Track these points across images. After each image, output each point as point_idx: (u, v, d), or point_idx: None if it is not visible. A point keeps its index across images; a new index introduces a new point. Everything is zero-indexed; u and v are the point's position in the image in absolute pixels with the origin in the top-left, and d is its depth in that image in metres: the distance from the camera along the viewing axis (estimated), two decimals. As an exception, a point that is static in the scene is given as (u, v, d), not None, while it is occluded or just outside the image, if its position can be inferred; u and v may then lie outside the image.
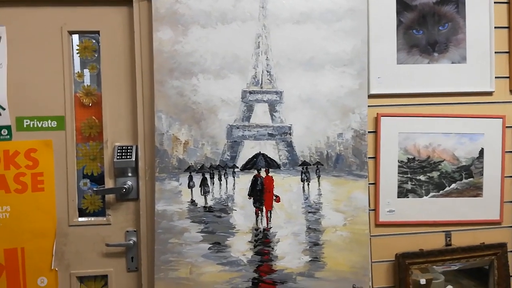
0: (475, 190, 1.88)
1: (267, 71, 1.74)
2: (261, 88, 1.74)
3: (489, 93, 1.87)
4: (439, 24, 1.82)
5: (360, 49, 1.76)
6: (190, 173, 1.72)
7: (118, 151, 1.76)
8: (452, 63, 1.84)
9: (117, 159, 1.75)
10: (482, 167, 1.88)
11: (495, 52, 1.85)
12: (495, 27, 1.84)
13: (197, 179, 1.72)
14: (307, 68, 1.75)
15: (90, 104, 1.81)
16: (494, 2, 1.84)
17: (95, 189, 1.78)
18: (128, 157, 1.75)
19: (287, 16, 1.74)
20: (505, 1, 1.87)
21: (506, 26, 1.88)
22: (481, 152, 1.87)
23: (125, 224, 1.79)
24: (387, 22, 1.80)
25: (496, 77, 1.86)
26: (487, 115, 1.87)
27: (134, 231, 1.79)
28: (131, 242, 1.77)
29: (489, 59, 1.85)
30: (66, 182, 1.77)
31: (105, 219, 1.79)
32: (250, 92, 1.74)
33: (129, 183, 1.77)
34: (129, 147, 1.76)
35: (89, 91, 1.81)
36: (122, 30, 1.76)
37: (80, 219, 1.80)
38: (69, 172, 1.77)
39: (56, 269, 1.76)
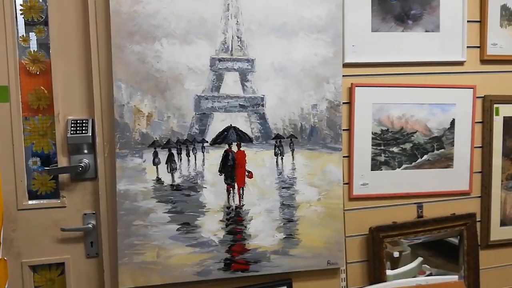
0: (446, 161, 1.87)
1: (238, 37, 1.61)
2: (231, 55, 1.61)
3: (461, 63, 1.85)
4: (414, -10, 1.76)
5: (334, 15, 1.67)
6: (155, 148, 1.57)
7: (72, 125, 1.57)
8: (426, 31, 1.79)
9: (71, 134, 1.56)
10: (453, 138, 1.87)
11: (468, 21, 1.82)
12: (467, -5, 1.81)
13: (163, 155, 1.58)
14: (280, 34, 1.63)
15: (38, 73, 1.60)
16: (467, -31, 1.80)
17: (47, 168, 1.59)
18: (83, 131, 1.57)
19: (258, -24, 1.60)
20: (478, -32, 1.83)
21: (478, -6, 1.85)
22: (452, 122, 1.86)
23: (82, 206, 1.62)
24: (362, -14, 1.71)
25: (467, 47, 1.83)
26: (459, 85, 1.85)
27: (93, 213, 1.62)
28: (89, 225, 1.61)
29: (462, 28, 1.82)
30: (13, 161, 1.57)
31: (59, 201, 1.61)
32: (220, 60, 1.60)
33: (86, 161, 1.59)
34: (84, 121, 1.58)
35: (36, 58, 1.60)
36: (72, -12, 1.56)
37: (31, 202, 1.61)
38: (16, 150, 1.57)
39: (5, 258, 1.57)
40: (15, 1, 1.55)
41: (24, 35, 1.58)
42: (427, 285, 1.70)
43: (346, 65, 1.72)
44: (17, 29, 1.57)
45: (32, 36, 1.59)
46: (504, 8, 1.87)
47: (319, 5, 1.65)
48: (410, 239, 1.84)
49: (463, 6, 1.81)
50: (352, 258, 1.81)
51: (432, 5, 1.79)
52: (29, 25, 1.59)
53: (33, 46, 1.60)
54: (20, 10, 1.57)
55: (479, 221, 1.93)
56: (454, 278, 1.77)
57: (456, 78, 1.85)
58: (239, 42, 1.61)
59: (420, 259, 1.89)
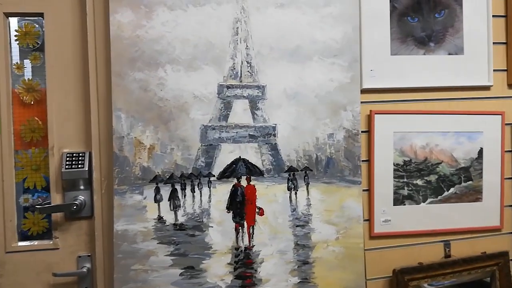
0: (475, 194, 1.71)
1: (247, 62, 1.49)
2: (241, 81, 1.49)
3: (487, 88, 1.72)
4: (435, 11, 1.65)
5: (351, 37, 1.55)
6: (157, 184, 1.43)
7: (67, 159, 1.45)
8: (449, 54, 1.67)
9: (66, 168, 1.43)
10: (482, 169, 1.71)
11: (494, 43, 1.69)
12: (493, 16, 1.69)
13: (166, 191, 1.44)
14: (293, 58, 1.51)
15: (32, 102, 1.49)
16: (491, -11, 1.68)
17: (39, 206, 1.45)
18: (79, 166, 1.44)
19: (269, -2, 1.50)
20: (502, -13, 1.72)
21: (503, 15, 1.72)
22: (480, 152, 1.70)
23: (76, 247, 1.48)
24: (380, 7, 1.60)
25: (494, 70, 1.70)
26: (485, 111, 1.71)
27: (88, 255, 1.47)
28: (84, 270, 1.45)
29: (487, 51, 1.69)
30: (2, 198, 1.44)
31: (51, 242, 1.47)
32: (228, 87, 1.48)
33: (81, 198, 1.46)
34: (80, 154, 1.45)
35: (30, 86, 1.49)
36: (71, 12, 1.46)
37: (21, 243, 1.48)
38: (6, 186, 1.44)
39: (-10, 307, 1.43)
40: (9, 27, 1.45)
41: (19, 63, 1.48)
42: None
43: (364, 91, 1.59)
44: (11, 56, 1.46)
45: (27, 63, 1.49)
46: (531, 29, 1.75)
47: (334, 27, 1.53)
48: (437, 282, 1.66)
49: (488, 27, 1.69)
50: (375, 303, 1.64)
51: (455, 27, 1.67)
52: (24, 51, 1.48)
53: (28, 74, 1.49)
54: (15, 36, 1.47)
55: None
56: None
57: (482, 103, 1.71)
58: (249, 67, 1.49)
59: (449, 303, 1.71)
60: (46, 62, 1.46)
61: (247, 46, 1.49)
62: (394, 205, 1.64)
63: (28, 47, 1.49)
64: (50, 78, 1.46)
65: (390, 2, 1.60)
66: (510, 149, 1.75)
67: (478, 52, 1.69)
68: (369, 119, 1.61)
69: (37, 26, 1.49)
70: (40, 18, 1.47)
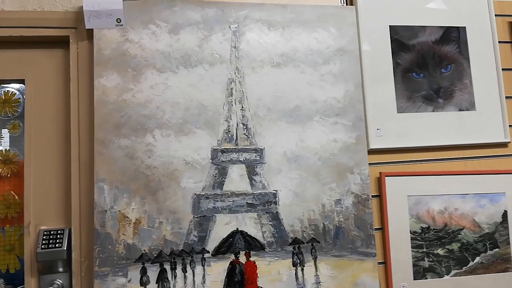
0: (503, 263, 1.52)
1: (243, 124, 1.37)
2: (237, 145, 1.36)
3: (504, 144, 1.59)
4: (441, 66, 1.56)
5: (353, 96, 1.45)
6: (143, 264, 1.26)
7: (44, 237, 1.29)
8: (460, 110, 1.56)
9: (42, 249, 1.27)
10: (508, 234, 1.54)
11: (506, 97, 1.59)
12: (503, 69, 1.60)
13: (153, 272, 1.26)
14: (292, 119, 1.40)
15: (9, 175, 1.36)
16: (499, 42, 1.60)
17: (9, 293, 1.28)
18: (57, 245, 1.27)
19: (264, 57, 1.42)
20: (510, 40, 1.64)
21: (513, 67, 1.64)
22: (505, 215, 1.54)
23: None
24: (382, 64, 1.52)
25: (510, 125, 1.58)
26: (506, 170, 1.57)
27: None
28: None
29: (500, 105, 1.58)
30: (-33, 286, 1.27)
31: (23, 334, 1.28)
32: (223, 151, 1.35)
33: (59, 281, 1.28)
34: (59, 232, 1.30)
35: (7, 158, 1.37)
36: (54, 78, 1.38)
37: (-12, 337, 1.28)
38: (-28, 271, 1.27)
39: None
40: (-13, 95, 1.37)
41: (-4, 132, 1.38)
42: None
43: (372, 152, 1.47)
44: (-13, 126, 1.36)
45: (5, 132, 1.38)
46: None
47: (334, 85, 1.44)
48: None
49: (498, 80, 1.59)
50: None
51: (464, 81, 1.57)
52: (2, 120, 1.38)
53: (6, 144, 1.38)
54: (-7, 104, 1.38)
55: None
56: None
57: (502, 162, 1.58)
58: (245, 130, 1.37)
59: None
60: (25, 131, 1.35)
61: (242, 107, 1.38)
62: (414, 279, 1.45)
63: (6, 116, 1.39)
64: (28, 148, 1.34)
65: (393, 58, 1.53)
66: (537, 211, 1.58)
67: (490, 107, 1.58)
68: (380, 182, 1.47)
69: (17, 93, 1.40)
70: (21, 84, 1.38)
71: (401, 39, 1.54)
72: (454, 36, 1.59)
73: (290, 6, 1.45)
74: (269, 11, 1.44)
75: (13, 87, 1.40)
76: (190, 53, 1.37)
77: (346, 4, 1.53)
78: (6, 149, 1.38)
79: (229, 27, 1.41)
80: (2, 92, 1.39)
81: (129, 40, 1.34)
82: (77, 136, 1.32)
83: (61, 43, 1.37)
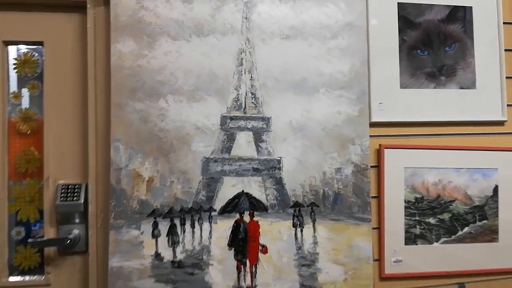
0: (490, 234, 1.62)
1: (252, 93, 1.44)
2: (245, 113, 1.44)
3: (501, 123, 1.66)
4: (446, 44, 1.61)
5: (359, 70, 1.51)
6: (155, 218, 1.36)
7: (63, 191, 1.39)
8: (461, 88, 1.61)
9: (61, 201, 1.37)
10: (497, 208, 1.63)
11: (506, 78, 1.64)
12: (505, 50, 1.64)
13: (164, 226, 1.37)
14: (299, 91, 1.47)
15: (29, 132, 1.45)
16: (504, 23, 1.64)
17: (30, 240, 1.38)
18: (75, 198, 1.38)
19: (274, 29, 1.47)
20: (514, 21, 1.69)
21: (516, 49, 1.69)
22: (495, 189, 1.63)
23: (69, 285, 1.41)
24: (389, 40, 1.57)
25: (508, 105, 1.64)
26: (500, 147, 1.64)
27: (81, 294, 1.40)
28: (75, 310, 1.37)
29: (500, 85, 1.64)
30: (-7, 231, 1.38)
31: (43, 278, 1.40)
32: (231, 118, 1.43)
33: (76, 232, 1.39)
34: (76, 186, 1.39)
35: (27, 116, 1.45)
36: (72, 41, 1.44)
37: (11, 278, 1.41)
38: (-3, 220, 1.38)
39: None
40: (8, 55, 1.43)
41: (16, 91, 1.45)
42: None
43: (373, 125, 1.54)
44: (9, 85, 1.43)
45: (25, 92, 1.46)
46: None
47: (341, 60, 1.49)
48: (453, 328, 1.55)
49: (500, 61, 1.64)
50: None
51: (466, 60, 1.62)
52: (22, 80, 1.45)
53: (25, 103, 1.45)
54: (14, 64, 1.44)
55: (534, 305, 1.64)
56: None
57: (497, 139, 1.65)
58: (253, 99, 1.44)
59: None
60: (44, 92, 1.42)
61: (251, 77, 1.44)
62: (405, 244, 1.56)
63: (26, 76, 1.46)
64: (47, 107, 1.42)
65: (399, 35, 1.57)
66: (527, 187, 1.66)
67: (490, 86, 1.64)
68: (379, 154, 1.55)
69: (36, 54, 1.46)
70: (40, 46, 1.45)
71: (408, 16, 1.58)
72: (460, 15, 1.62)
73: (301, -21, 1.49)
74: (281, -17, 1.48)
75: (32, 48, 1.46)
76: (203, 22, 1.43)
77: (357, -21, 1.57)
78: (26, 107, 1.45)
79: (242, -2, 1.46)
80: (22, 52, 1.46)
81: (144, 8, 1.40)
82: (94, 98, 1.40)
83: (79, 7, 1.43)
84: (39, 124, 1.44)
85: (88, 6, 1.41)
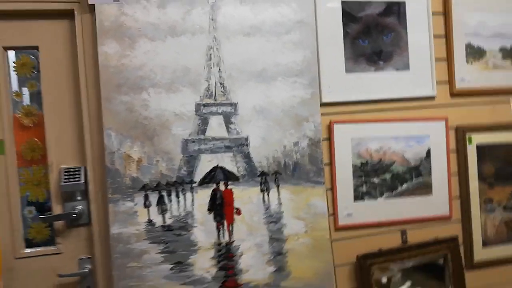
0: (425, 189, 1.96)
1: (220, 83, 1.72)
2: (215, 100, 1.71)
3: (432, 97, 1.97)
4: (383, 34, 1.90)
5: (310, 60, 1.79)
6: (146, 192, 1.64)
7: (65, 173, 1.65)
8: (397, 70, 1.92)
9: (65, 182, 1.63)
10: (430, 167, 1.96)
11: (435, 59, 1.95)
12: (434, 36, 1.94)
13: (153, 197, 1.65)
14: (260, 80, 1.74)
15: (31, 125, 1.69)
16: (432, 13, 1.94)
17: (42, 216, 1.65)
18: (76, 179, 1.64)
19: (237, 28, 1.72)
20: (442, 12, 1.98)
21: (444, 35, 1.99)
22: (428, 152, 1.95)
23: (77, 251, 1.68)
24: (334, 33, 1.84)
25: (437, 82, 1.96)
26: (431, 117, 1.96)
27: (88, 258, 1.68)
28: (85, 270, 1.65)
29: (430, 66, 1.94)
30: (9, 211, 1.63)
31: (55, 248, 1.67)
32: (204, 105, 1.70)
33: (79, 207, 1.66)
34: (77, 169, 1.66)
35: (29, 111, 1.69)
36: (63, 45, 1.67)
37: (27, 250, 1.66)
38: (12, 200, 1.63)
39: (2, 307, 1.61)
40: (8, 59, 1.65)
41: (17, 90, 1.68)
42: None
43: (323, 105, 1.83)
44: (11, 85, 1.66)
45: (25, 90, 1.69)
46: (469, 46, 2.01)
47: (294, 52, 1.77)
48: (396, 264, 1.90)
49: (430, 45, 1.94)
50: (343, 286, 1.86)
51: (401, 46, 1.92)
52: (21, 80, 1.68)
53: (26, 100, 1.69)
54: (13, 67, 1.67)
55: (462, 244, 2.00)
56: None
57: (428, 111, 1.96)
58: (222, 88, 1.72)
59: (408, 283, 1.95)
60: (42, 89, 1.66)
61: (219, 69, 1.71)
62: (355, 201, 1.88)
63: (25, 76, 1.68)
64: (46, 103, 1.66)
65: (344, 28, 1.84)
66: (455, 149, 2.00)
67: (422, 67, 1.93)
68: (329, 128, 1.85)
69: (32, 57, 1.68)
70: (36, 50, 1.67)
71: (351, 12, 1.85)
72: (395, 9, 1.90)
73: (258, -16, 1.75)
74: (240, -12, 1.73)
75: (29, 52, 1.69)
76: (176, 24, 1.67)
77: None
78: (27, 104, 1.69)
79: (208, 2, 1.70)
80: (20, 56, 1.68)
81: (125, 14, 1.63)
82: (86, 93, 1.64)
83: (68, 15, 1.64)
84: (40, 118, 1.68)
85: (76, 13, 1.63)
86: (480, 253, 2.02)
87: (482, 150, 2.02)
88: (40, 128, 1.68)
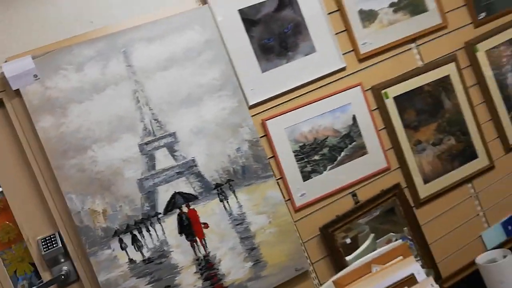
0: (361, 150, 2.19)
1: (155, 119, 1.88)
2: (155, 136, 1.88)
3: (343, 69, 2.18)
4: (283, 27, 2.08)
5: (227, 72, 1.96)
6: (119, 236, 1.81)
7: (43, 243, 1.79)
8: (306, 55, 2.11)
9: (45, 251, 1.78)
10: (359, 130, 2.19)
11: (336, 34, 2.16)
12: (328, 13, 2.14)
13: (127, 239, 1.82)
14: (189, 104, 1.91)
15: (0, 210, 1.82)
16: (322, -5, 2.13)
17: (35, 287, 1.80)
18: (54, 245, 1.79)
19: (153, 66, 1.88)
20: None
21: (337, 9, 2.19)
22: (354, 118, 2.18)
23: (75, 306, 1.85)
24: (241, 41, 2.01)
25: (343, 54, 2.17)
26: (348, 87, 2.17)
27: (86, 308, 1.86)
28: (88, 321, 1.84)
29: (333, 42, 2.15)
30: (3, 292, 1.78)
31: (53, 309, 1.84)
32: (146, 143, 1.87)
33: (65, 268, 1.82)
34: (52, 236, 1.81)
35: (-8, 199, 1.82)
36: (3, 131, 1.78)
37: (30, 319, 1.83)
38: (4, 284, 1.78)
39: None
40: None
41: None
42: (378, 257, 2.01)
43: (251, 107, 2.02)
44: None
45: (-18, 181, 1.81)
46: (361, 12, 2.22)
47: (211, 69, 1.94)
48: (355, 224, 2.16)
49: (327, 23, 2.14)
50: (316, 257, 2.10)
51: (302, 33, 2.11)
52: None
53: (-13, 189, 1.81)
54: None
55: (405, 187, 2.26)
56: (398, 242, 2.10)
57: (343, 82, 2.18)
58: (157, 123, 1.88)
59: (371, 235, 2.21)
60: (-1, 176, 1.79)
61: (150, 108, 1.87)
62: (304, 181, 2.09)
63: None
64: (4, 188, 1.79)
65: (248, 34, 2.02)
66: (376, 107, 2.24)
67: (326, 45, 2.14)
68: (263, 126, 2.04)
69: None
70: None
71: (249, 17, 2.03)
72: (287, 1, 2.10)
73: (159, 20, 1.89)
74: (145, 30, 1.86)
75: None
76: (97, 81, 1.81)
77: (202, 4, 1.98)
78: (-12, 193, 1.82)
79: (120, 51, 1.84)
80: (-36, 153, 1.79)
81: (48, 87, 1.75)
82: (38, 168, 1.77)
83: (-1, 104, 1.77)
84: (4, 202, 1.81)
85: (5, 101, 1.74)
86: (424, 190, 2.28)
87: (399, 100, 2.26)
88: (7, 211, 1.81)
